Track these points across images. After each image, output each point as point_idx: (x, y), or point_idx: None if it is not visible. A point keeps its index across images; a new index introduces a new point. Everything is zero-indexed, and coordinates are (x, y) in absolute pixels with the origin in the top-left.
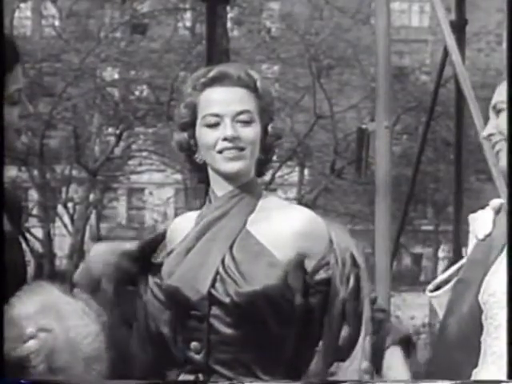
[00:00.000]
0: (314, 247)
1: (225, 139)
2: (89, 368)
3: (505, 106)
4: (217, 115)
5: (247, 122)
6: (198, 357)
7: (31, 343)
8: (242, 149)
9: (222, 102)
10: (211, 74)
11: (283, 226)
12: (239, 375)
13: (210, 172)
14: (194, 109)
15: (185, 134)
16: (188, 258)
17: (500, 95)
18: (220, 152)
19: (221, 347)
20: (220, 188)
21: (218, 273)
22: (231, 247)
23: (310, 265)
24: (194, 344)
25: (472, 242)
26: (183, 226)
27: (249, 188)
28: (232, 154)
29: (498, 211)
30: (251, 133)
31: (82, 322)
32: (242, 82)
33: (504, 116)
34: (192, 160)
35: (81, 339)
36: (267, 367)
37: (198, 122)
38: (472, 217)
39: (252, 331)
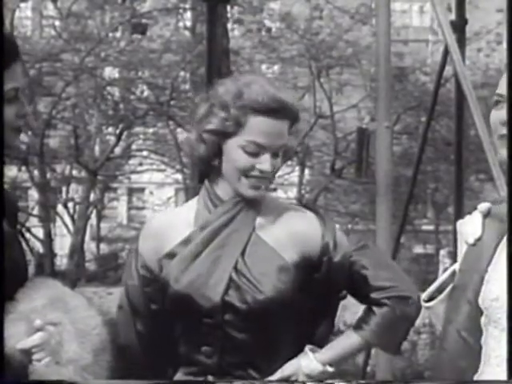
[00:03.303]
0: (314, 249)
1: (260, 171)
2: (97, 359)
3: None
4: (260, 146)
5: (279, 154)
6: (209, 361)
7: (37, 336)
8: (267, 179)
9: (270, 134)
10: (271, 105)
11: (285, 229)
12: (251, 377)
13: (222, 179)
14: (238, 125)
15: (215, 140)
16: (195, 264)
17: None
18: (248, 177)
19: (233, 351)
20: (225, 193)
21: (231, 280)
22: (243, 253)
23: (313, 266)
24: (205, 349)
25: (462, 248)
26: (176, 224)
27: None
28: (259, 183)
29: (486, 215)
30: (279, 163)
31: (90, 314)
32: (290, 115)
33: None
34: (208, 162)
35: (90, 330)
36: (278, 368)
37: (237, 139)
38: (460, 222)
39: (265, 335)
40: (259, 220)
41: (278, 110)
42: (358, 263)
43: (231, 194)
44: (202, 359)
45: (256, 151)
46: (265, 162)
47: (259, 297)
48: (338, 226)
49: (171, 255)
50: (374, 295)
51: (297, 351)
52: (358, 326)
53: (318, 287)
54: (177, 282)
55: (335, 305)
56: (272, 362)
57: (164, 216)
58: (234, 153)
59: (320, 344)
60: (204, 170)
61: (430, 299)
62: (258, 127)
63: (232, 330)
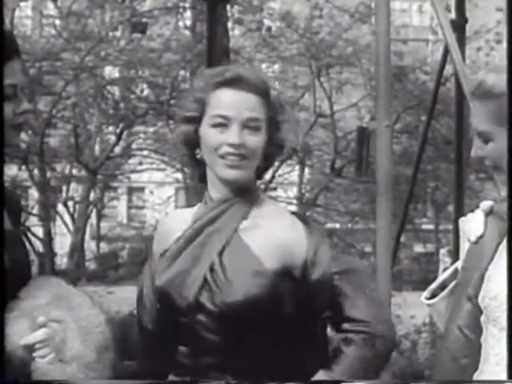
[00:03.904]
0: (296, 262)
1: (230, 145)
2: (100, 357)
3: (495, 135)
4: (226, 118)
5: (254, 130)
6: (186, 361)
7: (41, 332)
8: (244, 157)
9: (234, 105)
10: (228, 75)
11: (269, 236)
12: (226, 380)
13: (208, 172)
14: (203, 105)
15: (190, 128)
16: (177, 262)
17: (483, 123)
18: (222, 157)
19: (207, 353)
20: (216, 190)
21: (206, 280)
22: (221, 253)
23: (296, 274)
24: (181, 349)
25: (464, 245)
26: (175, 224)
27: (244, 193)
28: (234, 161)
29: (488, 213)
30: (256, 142)
31: (93, 312)
32: (257, 89)
33: (491, 144)
34: (192, 155)
35: (93, 328)
36: (253, 372)
37: (205, 119)
38: (462, 220)
39: (237, 338)
40: (246, 222)
41: (236, 80)
42: (337, 288)
43: (220, 192)
44: (180, 359)
45: (222, 123)
46: (232, 135)
47: (228, 299)
48: (328, 242)
49: (165, 253)
50: (345, 325)
51: (275, 359)
52: (327, 367)
53: (298, 301)
54: (158, 279)
55: (316, 324)
56: (246, 367)
57: (172, 215)
58: (205, 133)
59: (304, 359)
60: (201, 170)
61: (432, 296)
62: (219, 99)
63: (204, 331)
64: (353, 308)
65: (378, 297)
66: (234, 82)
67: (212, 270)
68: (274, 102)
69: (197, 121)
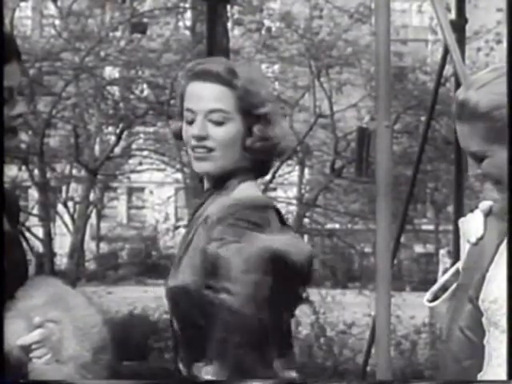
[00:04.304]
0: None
1: (194, 138)
2: (97, 358)
3: (489, 153)
4: (192, 111)
5: (219, 122)
6: (167, 356)
7: (37, 332)
8: (210, 149)
9: (198, 98)
10: (196, 68)
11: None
12: (191, 374)
13: None
14: (181, 100)
15: (179, 124)
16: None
17: (474, 144)
18: (192, 150)
19: (178, 345)
20: (205, 183)
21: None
22: (190, 241)
23: None
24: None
25: (464, 246)
26: None
27: (221, 184)
28: (201, 153)
29: (487, 214)
30: (222, 133)
31: (90, 312)
32: (222, 80)
33: (487, 161)
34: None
35: (89, 329)
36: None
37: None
38: (462, 220)
39: (191, 330)
40: (212, 210)
41: (204, 73)
42: (214, 254)
43: (206, 184)
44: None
45: (191, 118)
46: (195, 127)
47: (170, 283)
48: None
49: None
50: (222, 295)
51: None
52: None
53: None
54: None
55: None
56: (199, 359)
57: None
58: (184, 128)
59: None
60: None
61: (434, 299)
62: (189, 93)
63: (173, 321)
64: (215, 270)
65: (245, 270)
66: (202, 75)
67: (184, 254)
68: (244, 93)
69: (181, 117)
